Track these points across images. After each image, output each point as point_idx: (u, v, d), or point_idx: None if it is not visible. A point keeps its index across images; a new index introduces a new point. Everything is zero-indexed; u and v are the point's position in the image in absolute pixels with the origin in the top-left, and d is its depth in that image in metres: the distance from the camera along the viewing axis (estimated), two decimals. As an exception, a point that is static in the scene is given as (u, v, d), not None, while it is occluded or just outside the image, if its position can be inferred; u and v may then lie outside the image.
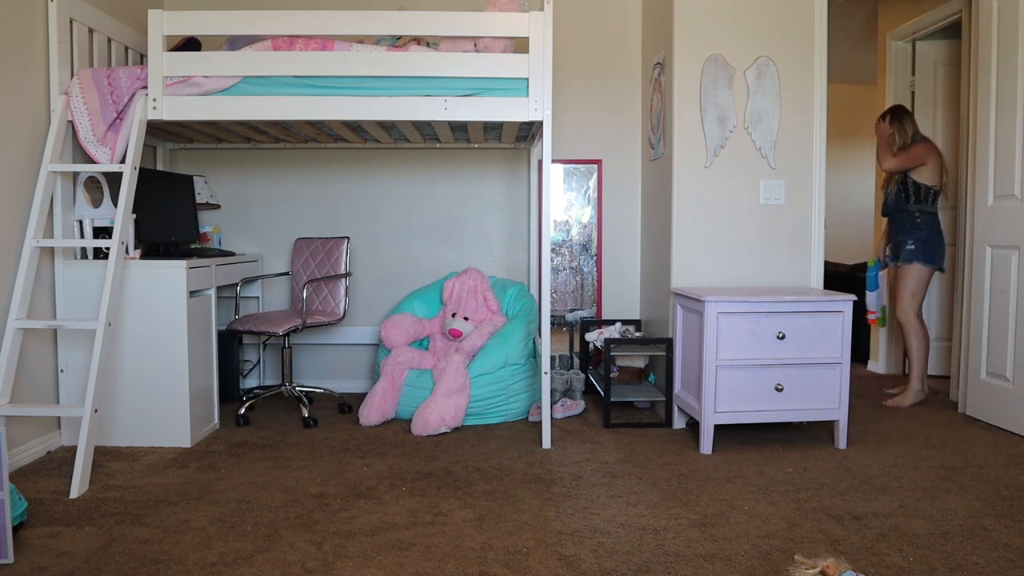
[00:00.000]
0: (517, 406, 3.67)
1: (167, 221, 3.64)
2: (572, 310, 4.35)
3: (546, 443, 3.20)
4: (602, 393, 3.63)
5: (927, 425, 3.57)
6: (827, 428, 3.41)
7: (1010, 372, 3.43)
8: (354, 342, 4.34)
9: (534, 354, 3.82)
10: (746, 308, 3.10)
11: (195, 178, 4.03)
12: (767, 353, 3.11)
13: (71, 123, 3.11)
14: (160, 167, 4.13)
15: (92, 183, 3.31)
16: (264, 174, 4.33)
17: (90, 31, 3.30)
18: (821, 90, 3.60)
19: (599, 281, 4.37)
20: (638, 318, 4.33)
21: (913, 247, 3.91)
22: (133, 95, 3.11)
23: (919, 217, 3.92)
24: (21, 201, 2.96)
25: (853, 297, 3.14)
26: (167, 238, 3.62)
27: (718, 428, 3.16)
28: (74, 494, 2.59)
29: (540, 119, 3.13)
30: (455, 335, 3.84)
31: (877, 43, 4.93)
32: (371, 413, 3.55)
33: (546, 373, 3.19)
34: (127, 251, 3.10)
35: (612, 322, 4.13)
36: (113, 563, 2.07)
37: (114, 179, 3.39)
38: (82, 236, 3.18)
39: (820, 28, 3.57)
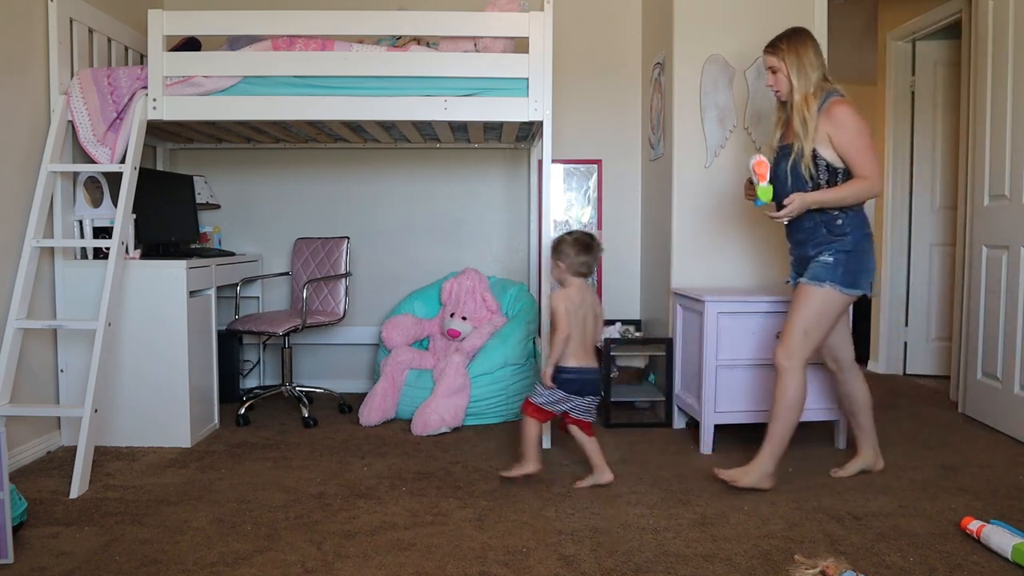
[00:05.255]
0: (517, 406, 3.67)
1: (167, 221, 3.64)
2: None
3: (546, 443, 3.20)
4: (602, 393, 3.63)
5: (927, 425, 3.56)
6: (827, 428, 3.40)
7: (1000, 372, 3.44)
8: (354, 342, 4.33)
9: (534, 354, 3.82)
10: (746, 308, 3.10)
11: (195, 178, 4.03)
12: (767, 353, 3.10)
13: (71, 123, 3.11)
14: (160, 167, 4.12)
15: (92, 183, 3.30)
16: (264, 174, 4.32)
17: (90, 31, 3.30)
18: (821, 90, 3.59)
19: (599, 281, 4.36)
20: (638, 318, 4.32)
21: (831, 260, 2.58)
22: (133, 95, 3.11)
23: (842, 219, 2.59)
24: (21, 201, 2.96)
25: (853, 297, 3.13)
26: (167, 238, 3.62)
27: (718, 428, 3.16)
28: (74, 494, 2.59)
29: (540, 119, 3.13)
30: (453, 335, 3.83)
31: (877, 43, 4.93)
32: (371, 413, 3.55)
33: (546, 373, 3.18)
34: (127, 251, 3.09)
35: (612, 322, 4.12)
36: (113, 563, 2.07)
37: (114, 179, 3.38)
38: (82, 236, 3.18)
39: (820, 28, 3.57)
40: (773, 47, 2.68)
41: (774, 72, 2.68)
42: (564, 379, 2.67)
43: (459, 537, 2.25)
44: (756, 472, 2.64)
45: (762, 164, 2.62)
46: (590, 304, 2.72)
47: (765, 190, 2.61)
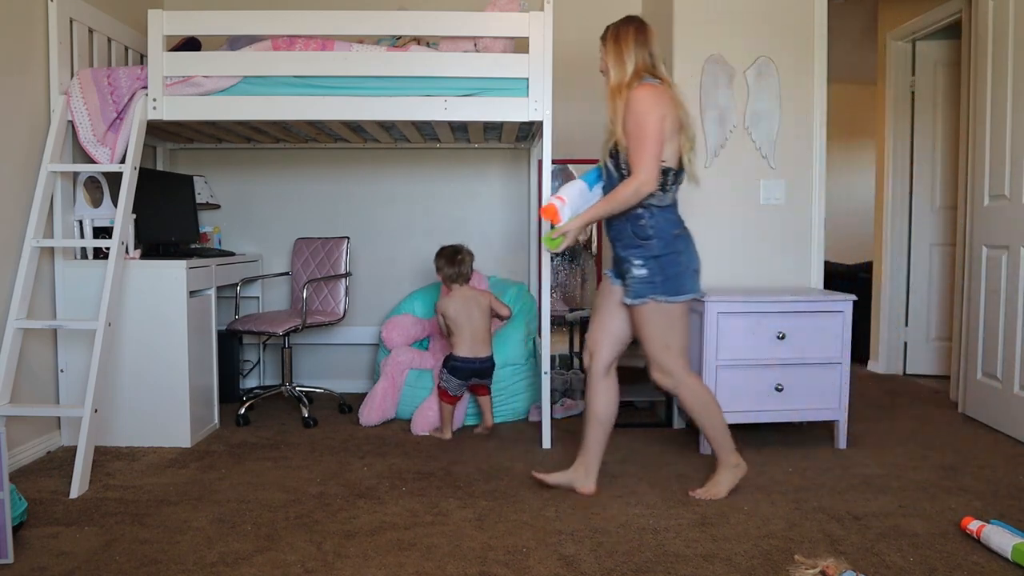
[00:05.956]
0: (517, 406, 3.67)
1: (167, 221, 3.64)
2: (572, 310, 4.35)
3: (546, 443, 3.20)
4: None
5: (927, 425, 3.57)
6: (827, 428, 3.40)
7: (1000, 372, 3.44)
8: (354, 342, 4.33)
9: (534, 354, 3.82)
10: (746, 308, 3.10)
11: (195, 178, 4.03)
12: (767, 353, 3.11)
13: (71, 123, 3.11)
14: (160, 167, 4.12)
15: (92, 183, 3.31)
16: (264, 174, 4.32)
17: (90, 31, 3.30)
18: (821, 90, 3.59)
19: (599, 281, 4.36)
20: (638, 318, 4.32)
21: (645, 273, 2.43)
22: (133, 95, 3.11)
23: (646, 218, 2.44)
24: (21, 201, 2.96)
25: (853, 297, 3.14)
26: (167, 238, 3.62)
27: (718, 428, 3.16)
28: (74, 494, 2.59)
29: (540, 119, 3.13)
30: (455, 335, 3.84)
31: (877, 43, 4.93)
32: (371, 413, 3.55)
33: (546, 373, 3.18)
34: (127, 251, 3.09)
35: (612, 322, 4.12)
36: (113, 563, 2.07)
37: (114, 179, 3.38)
38: (82, 236, 3.18)
39: (820, 28, 3.57)
40: (602, 35, 2.54)
41: (603, 60, 2.54)
42: (453, 366, 3.32)
43: (459, 537, 2.25)
44: (725, 473, 2.61)
45: (548, 209, 2.52)
46: (473, 300, 3.36)
47: (549, 239, 2.50)
